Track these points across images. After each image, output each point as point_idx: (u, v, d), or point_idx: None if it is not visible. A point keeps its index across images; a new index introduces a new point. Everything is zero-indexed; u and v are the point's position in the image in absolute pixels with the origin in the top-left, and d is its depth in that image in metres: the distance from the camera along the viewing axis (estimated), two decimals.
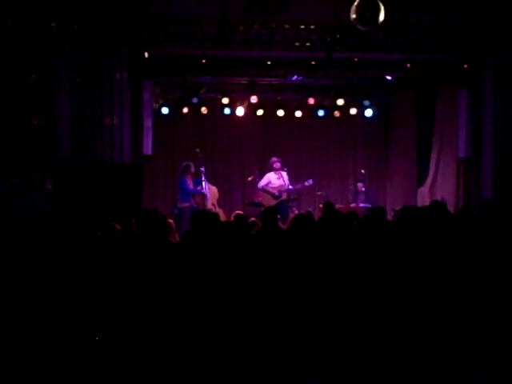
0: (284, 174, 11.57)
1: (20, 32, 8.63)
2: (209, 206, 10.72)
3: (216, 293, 4.32)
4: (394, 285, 4.39)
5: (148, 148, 10.38)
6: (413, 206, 6.45)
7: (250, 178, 12.14)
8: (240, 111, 12.49)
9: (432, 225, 5.73)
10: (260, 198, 11.51)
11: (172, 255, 4.77)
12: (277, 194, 11.38)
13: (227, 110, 12.42)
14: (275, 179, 11.52)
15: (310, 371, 3.98)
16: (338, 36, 8.86)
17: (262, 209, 7.41)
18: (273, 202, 11.05)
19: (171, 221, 7.26)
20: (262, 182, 11.58)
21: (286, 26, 9.07)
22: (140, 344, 4.13)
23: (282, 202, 11.31)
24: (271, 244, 5.36)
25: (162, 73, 10.79)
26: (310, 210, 10.65)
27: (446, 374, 3.94)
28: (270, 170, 11.68)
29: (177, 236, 6.61)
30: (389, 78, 11.76)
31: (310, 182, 11.70)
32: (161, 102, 12.25)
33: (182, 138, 13.27)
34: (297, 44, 9.24)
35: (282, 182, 11.44)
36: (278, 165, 11.54)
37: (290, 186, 11.55)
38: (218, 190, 11.48)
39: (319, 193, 12.58)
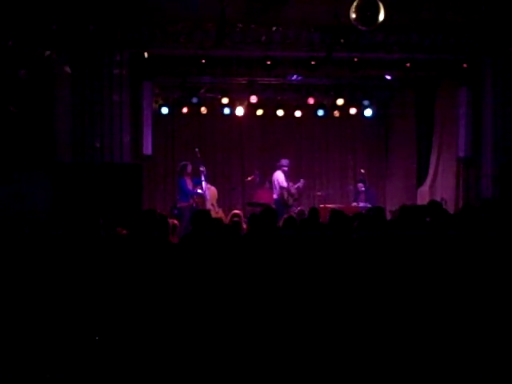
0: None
1: (20, 32, 8.63)
2: (208, 206, 10.70)
3: (215, 293, 4.32)
4: (393, 285, 4.38)
5: (148, 148, 10.37)
6: (411, 206, 6.45)
7: (249, 178, 12.14)
8: (239, 111, 12.50)
9: (432, 224, 5.73)
10: (289, 198, 11.42)
11: (172, 255, 4.77)
12: (296, 196, 11.42)
13: (227, 110, 12.43)
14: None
15: (309, 374, 3.98)
16: (337, 36, 8.86)
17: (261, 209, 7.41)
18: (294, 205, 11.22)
19: (176, 221, 7.20)
20: (286, 182, 11.50)
21: (286, 26, 9.07)
22: (139, 344, 4.13)
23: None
24: (270, 245, 5.36)
25: (161, 73, 10.78)
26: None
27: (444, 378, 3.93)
28: (278, 169, 11.64)
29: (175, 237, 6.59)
30: (388, 77, 11.76)
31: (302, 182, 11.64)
32: (160, 101, 12.26)
33: (182, 137, 13.28)
34: (297, 44, 9.24)
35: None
36: (286, 169, 11.58)
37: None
38: (218, 190, 11.44)
39: (319, 193, 12.58)
